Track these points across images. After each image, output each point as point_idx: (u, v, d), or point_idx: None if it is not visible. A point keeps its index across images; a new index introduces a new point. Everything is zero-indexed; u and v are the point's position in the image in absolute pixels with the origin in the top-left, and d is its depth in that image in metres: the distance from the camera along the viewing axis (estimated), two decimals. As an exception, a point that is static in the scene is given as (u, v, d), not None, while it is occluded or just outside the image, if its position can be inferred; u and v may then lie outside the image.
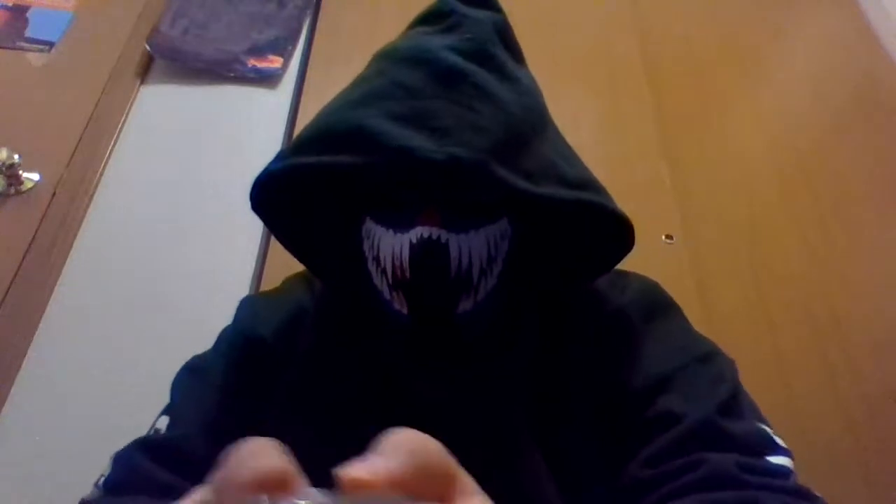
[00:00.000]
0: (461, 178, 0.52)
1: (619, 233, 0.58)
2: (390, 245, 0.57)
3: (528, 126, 0.57)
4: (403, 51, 0.59)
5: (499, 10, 0.63)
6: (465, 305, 0.58)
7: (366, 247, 0.60)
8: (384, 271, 0.58)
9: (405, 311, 0.58)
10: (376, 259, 0.59)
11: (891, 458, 0.97)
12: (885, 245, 1.18)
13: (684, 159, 1.29)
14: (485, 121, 0.53)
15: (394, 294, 0.58)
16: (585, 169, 0.60)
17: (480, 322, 0.60)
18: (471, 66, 0.55)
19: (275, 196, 0.60)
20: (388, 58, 0.59)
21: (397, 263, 0.57)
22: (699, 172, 1.28)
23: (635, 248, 0.60)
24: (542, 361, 0.60)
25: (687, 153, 1.30)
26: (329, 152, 0.54)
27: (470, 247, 0.56)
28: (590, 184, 0.58)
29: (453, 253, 0.56)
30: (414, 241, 0.55)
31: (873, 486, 0.96)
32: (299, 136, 0.58)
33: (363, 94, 0.57)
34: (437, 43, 0.57)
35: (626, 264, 0.67)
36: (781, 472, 0.49)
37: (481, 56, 0.57)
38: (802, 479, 0.50)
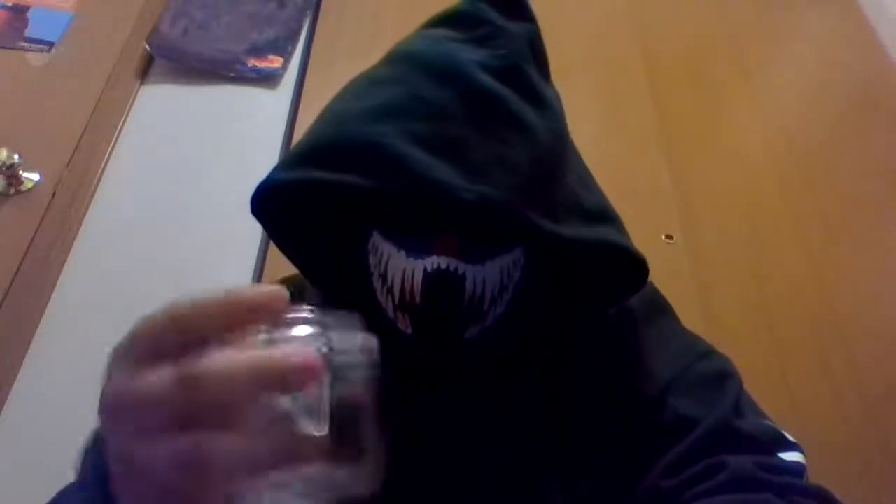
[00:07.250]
0: (488, 216, 0.49)
1: (631, 268, 0.56)
2: (401, 267, 0.54)
3: (556, 155, 0.54)
4: (428, 58, 0.53)
5: (533, 19, 0.58)
6: (472, 332, 0.56)
7: (371, 261, 0.57)
8: (391, 290, 0.55)
9: (409, 331, 0.56)
10: (383, 277, 0.55)
11: (891, 458, 0.97)
12: (886, 245, 1.18)
13: (684, 159, 1.29)
14: (516, 154, 0.50)
15: (398, 315, 0.55)
16: (601, 193, 0.59)
17: (485, 347, 0.58)
18: (505, 91, 0.51)
19: (276, 200, 0.57)
20: (409, 62, 0.54)
21: (407, 287, 0.53)
22: (699, 172, 1.28)
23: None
24: (553, 386, 0.59)
25: (687, 153, 1.30)
26: (343, 168, 0.50)
27: (485, 277, 0.54)
28: (607, 215, 0.56)
29: (468, 286, 0.53)
30: (429, 269, 0.52)
31: (873, 485, 0.96)
32: (308, 144, 0.53)
33: (381, 104, 0.51)
34: (468, 57, 0.52)
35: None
36: (796, 469, 0.49)
37: (515, 76, 0.52)
38: (803, 478, 0.50)
